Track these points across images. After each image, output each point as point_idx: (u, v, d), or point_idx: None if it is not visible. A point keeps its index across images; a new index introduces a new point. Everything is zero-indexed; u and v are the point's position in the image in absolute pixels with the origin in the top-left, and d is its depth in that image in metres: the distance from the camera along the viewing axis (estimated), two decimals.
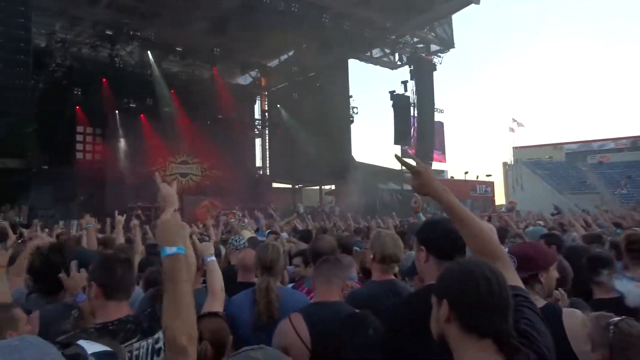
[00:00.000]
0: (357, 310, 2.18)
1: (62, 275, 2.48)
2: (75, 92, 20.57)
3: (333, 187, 28.19)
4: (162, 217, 1.68)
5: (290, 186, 29.93)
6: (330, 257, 2.67)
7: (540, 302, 1.92)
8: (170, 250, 1.55)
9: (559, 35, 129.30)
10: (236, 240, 4.41)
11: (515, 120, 37.08)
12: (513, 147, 38.76)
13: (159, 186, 1.90)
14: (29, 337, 0.90)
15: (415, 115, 25.30)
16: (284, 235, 6.74)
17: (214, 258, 2.63)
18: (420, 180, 1.62)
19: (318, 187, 28.71)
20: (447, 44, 25.55)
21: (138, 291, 3.02)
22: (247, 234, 8.41)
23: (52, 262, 2.76)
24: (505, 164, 40.32)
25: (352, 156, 25.71)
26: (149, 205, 19.78)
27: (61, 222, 13.12)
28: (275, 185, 29.54)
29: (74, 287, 2.32)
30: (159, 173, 2.11)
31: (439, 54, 26.01)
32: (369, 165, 25.97)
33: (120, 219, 5.17)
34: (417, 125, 25.08)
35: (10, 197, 17.05)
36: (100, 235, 6.39)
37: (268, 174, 29.84)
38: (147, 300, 2.19)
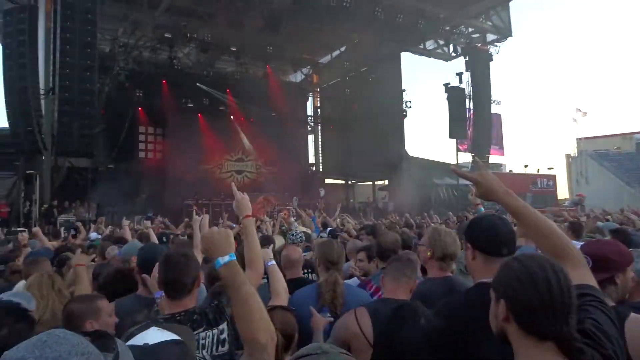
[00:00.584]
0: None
1: (145, 275, 2.63)
2: (137, 94, 21.63)
3: (386, 182, 27.97)
4: (204, 232, 1.81)
5: (343, 182, 29.98)
6: (402, 256, 2.69)
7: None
8: (223, 260, 1.62)
9: (625, 16, 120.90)
10: (293, 235, 4.48)
11: (579, 110, 35.24)
12: (577, 138, 36.82)
13: (235, 195, 2.25)
14: (57, 331, 0.89)
15: (471, 107, 24.59)
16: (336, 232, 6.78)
17: (274, 262, 2.70)
18: (481, 189, 1.66)
19: (371, 183, 28.58)
20: (504, 32, 24.63)
21: (202, 287, 3.15)
22: (302, 229, 8.55)
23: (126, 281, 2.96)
24: (568, 156, 38.37)
25: (405, 151, 25.39)
26: (207, 201, 20.51)
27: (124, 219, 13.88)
28: (328, 181, 29.70)
29: (154, 286, 2.42)
30: (228, 179, 2.29)
31: (496, 44, 25.12)
32: (423, 160, 25.55)
33: (197, 218, 5.25)
34: (473, 118, 24.36)
35: (79, 195, 18.19)
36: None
37: (321, 170, 30.06)
38: (212, 296, 2.28)
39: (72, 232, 8.60)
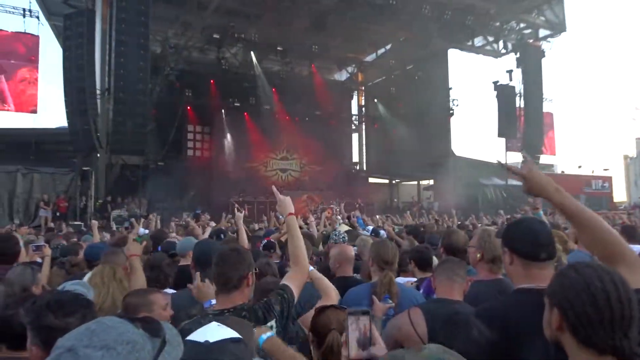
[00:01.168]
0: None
1: (191, 286, 2.70)
2: (187, 94, 22.28)
3: (431, 182, 27.55)
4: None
5: (387, 181, 29.76)
6: (453, 257, 2.68)
7: None
8: (266, 335, 1.81)
9: None
10: (336, 235, 4.48)
11: (639, 109, 33.48)
12: (636, 138, 34.99)
13: (277, 196, 2.51)
14: (106, 319, 0.91)
15: (522, 106, 23.81)
16: (382, 232, 6.75)
17: (312, 268, 2.72)
18: (529, 184, 1.62)
19: (416, 182, 28.22)
20: (558, 27, 23.67)
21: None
22: (344, 228, 8.53)
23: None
24: (626, 157, 36.54)
25: (452, 150, 24.90)
26: (252, 199, 20.88)
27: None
28: (371, 180, 29.56)
29: (202, 298, 2.48)
30: (273, 177, 2.52)
31: (549, 39, 24.21)
32: (470, 159, 24.98)
33: (240, 215, 5.38)
34: (524, 116, 23.58)
35: (131, 191, 18.93)
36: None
37: (365, 169, 29.94)
38: (259, 293, 2.33)
39: (127, 225, 8.98)
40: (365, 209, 20.42)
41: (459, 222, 8.60)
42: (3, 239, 3.90)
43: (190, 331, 1.21)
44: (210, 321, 1.77)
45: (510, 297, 1.74)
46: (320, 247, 5.25)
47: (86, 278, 3.40)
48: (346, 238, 4.42)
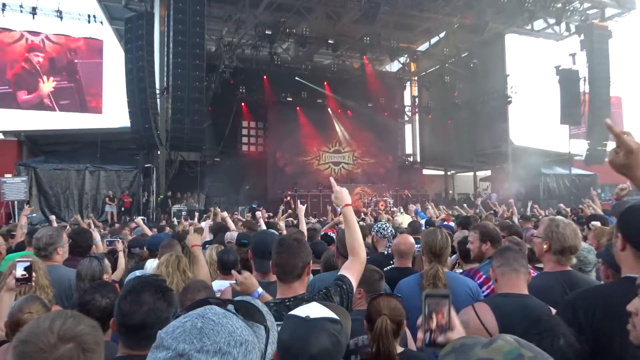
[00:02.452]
0: (548, 311, 2.01)
1: (232, 283, 2.71)
2: (240, 90, 22.74)
3: (489, 173, 26.74)
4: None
5: (442, 172, 29.18)
6: (513, 246, 2.57)
7: None
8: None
9: None
10: (383, 229, 4.32)
11: None
12: None
13: (334, 187, 2.50)
14: (209, 312, 0.85)
15: (586, 91, 22.55)
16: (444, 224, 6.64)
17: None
18: (629, 160, 1.36)
19: (472, 174, 27.47)
20: (627, 5, 22.18)
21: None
22: (407, 218, 8.45)
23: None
24: None
25: (510, 139, 24.01)
26: (305, 192, 21.07)
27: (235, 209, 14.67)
28: (426, 172, 29.07)
29: (247, 290, 2.47)
30: (331, 175, 2.52)
31: (616, 19, 22.75)
32: (530, 148, 23.99)
33: (302, 207, 5.46)
34: (589, 102, 22.31)
35: (190, 186, 19.60)
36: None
37: (419, 160, 29.49)
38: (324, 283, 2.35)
39: (184, 215, 9.30)
40: (419, 200, 20.14)
41: (520, 214, 8.26)
42: (78, 232, 4.17)
43: None
44: (271, 310, 1.82)
45: (615, 284, 1.65)
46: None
47: (149, 267, 3.57)
48: (393, 233, 4.24)
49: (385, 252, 4.03)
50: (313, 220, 10.94)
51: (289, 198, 19.36)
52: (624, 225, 1.64)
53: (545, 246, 2.45)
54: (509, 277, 2.24)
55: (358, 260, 2.25)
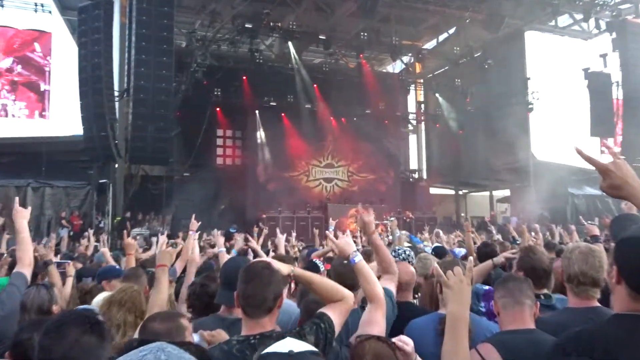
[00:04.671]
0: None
1: (203, 333, 2.66)
2: (216, 93, 22.78)
3: (507, 192, 26.88)
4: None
5: (452, 192, 29.32)
6: (518, 275, 2.63)
7: None
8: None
9: None
10: (403, 252, 4.32)
11: None
12: None
13: (334, 241, 2.82)
14: (164, 345, 0.99)
15: (620, 97, 22.90)
16: (459, 251, 6.67)
17: (359, 257, 2.66)
18: (611, 180, 1.52)
19: (488, 193, 27.63)
20: None
21: (289, 305, 3.24)
22: (404, 244, 8.49)
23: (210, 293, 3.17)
24: None
25: (531, 153, 24.24)
26: (291, 214, 21.03)
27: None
28: (433, 191, 29.18)
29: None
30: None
31: None
32: (555, 164, 24.23)
33: (281, 238, 5.91)
34: (623, 110, 22.63)
35: (153, 206, 19.49)
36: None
37: (425, 177, 29.64)
38: (305, 311, 2.47)
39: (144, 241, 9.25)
40: (427, 224, 20.18)
41: (555, 241, 8.27)
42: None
43: None
44: (234, 347, 2.04)
45: (611, 324, 1.61)
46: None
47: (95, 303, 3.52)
48: (412, 255, 4.31)
49: None
50: (297, 245, 10.90)
51: (263, 215, 19.64)
52: (620, 257, 1.60)
53: (566, 277, 2.49)
54: (512, 311, 2.31)
55: (380, 308, 2.49)
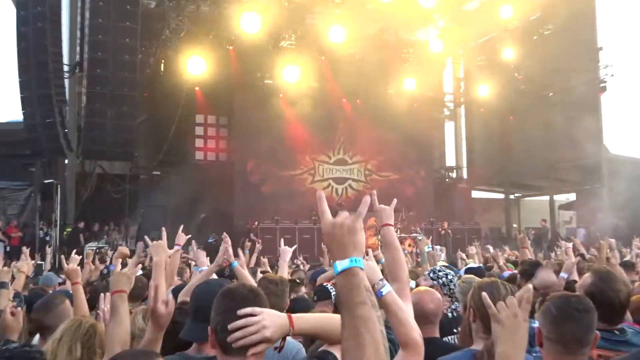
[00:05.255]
0: None
1: None
2: (194, 67, 22.60)
3: (573, 196, 26.73)
4: (326, 221, 1.96)
5: (501, 196, 29.22)
6: (583, 311, 2.54)
7: None
8: (341, 265, 1.81)
9: None
10: (443, 274, 4.49)
11: None
12: None
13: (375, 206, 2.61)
14: None
15: None
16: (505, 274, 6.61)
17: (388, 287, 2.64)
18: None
19: (547, 198, 27.50)
20: None
21: (294, 344, 3.29)
22: (441, 264, 8.50)
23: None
24: None
25: (603, 146, 24.08)
26: (292, 224, 20.99)
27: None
28: (477, 195, 29.07)
29: None
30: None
31: None
32: (634, 160, 24.07)
33: (287, 250, 5.79)
34: None
35: (114, 213, 19.45)
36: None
37: (465, 177, 29.61)
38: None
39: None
40: (466, 239, 20.04)
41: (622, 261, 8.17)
42: None
43: None
44: None
45: None
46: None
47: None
48: (453, 281, 4.41)
49: (450, 314, 4.20)
50: (302, 264, 10.90)
51: (255, 225, 19.59)
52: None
53: None
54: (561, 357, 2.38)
55: (400, 285, 2.57)
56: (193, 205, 21.18)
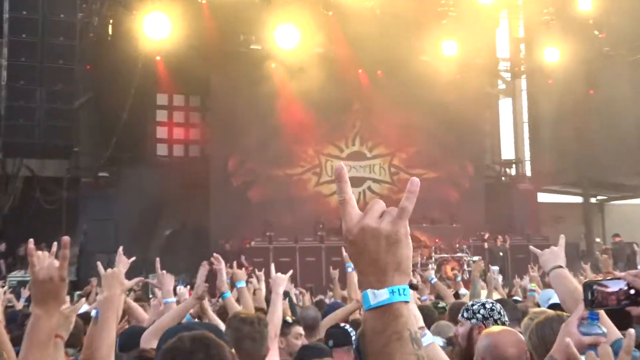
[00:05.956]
0: None
1: None
2: (153, 30, 22.60)
3: None
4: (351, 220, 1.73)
5: (579, 199, 29.25)
6: None
7: None
8: (375, 296, 1.62)
9: None
10: (498, 311, 4.52)
11: None
12: None
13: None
14: None
15: None
16: None
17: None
18: None
19: None
20: None
21: None
22: (494, 296, 8.54)
23: None
24: None
25: None
26: (291, 242, 20.97)
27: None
28: (545, 198, 29.08)
29: None
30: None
31: None
32: None
33: (281, 278, 5.65)
34: None
35: (46, 231, 19.43)
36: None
37: (528, 174, 29.72)
38: None
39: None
40: (532, 256, 19.97)
41: None
42: None
43: None
44: None
45: None
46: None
47: None
48: (504, 317, 4.49)
49: None
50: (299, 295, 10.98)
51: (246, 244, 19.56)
52: None
53: None
54: None
55: None
56: (155, 218, 21.22)
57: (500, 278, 13.88)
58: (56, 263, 2.95)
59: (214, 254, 5.99)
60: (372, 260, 1.59)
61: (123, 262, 4.78)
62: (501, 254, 21.62)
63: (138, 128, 22.97)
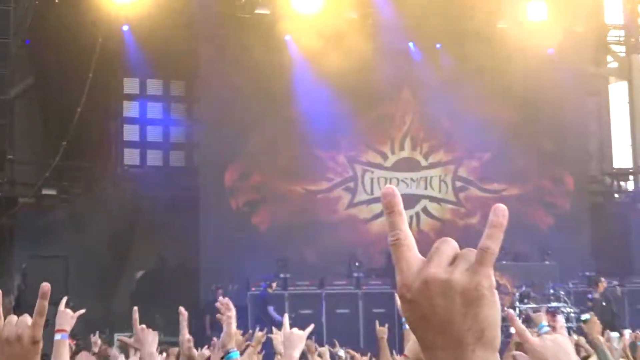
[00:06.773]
0: None
1: None
2: None
3: None
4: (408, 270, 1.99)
5: None
6: None
7: None
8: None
9: None
10: None
11: None
12: None
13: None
14: None
15: None
16: None
17: None
18: None
19: None
20: None
21: None
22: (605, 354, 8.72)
23: None
24: None
25: None
26: (312, 289, 21.16)
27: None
28: None
29: None
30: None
31: None
32: None
33: (298, 335, 5.57)
34: None
35: None
36: None
37: None
38: None
39: None
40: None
41: None
42: None
43: None
44: None
45: None
46: None
47: None
48: None
49: None
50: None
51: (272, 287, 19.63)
52: None
53: None
54: None
55: None
56: (122, 253, 21.47)
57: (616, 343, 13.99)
58: (28, 319, 3.09)
59: (220, 298, 6.09)
60: (442, 328, 1.38)
61: (66, 319, 4.86)
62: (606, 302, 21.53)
63: (97, 127, 23.13)
